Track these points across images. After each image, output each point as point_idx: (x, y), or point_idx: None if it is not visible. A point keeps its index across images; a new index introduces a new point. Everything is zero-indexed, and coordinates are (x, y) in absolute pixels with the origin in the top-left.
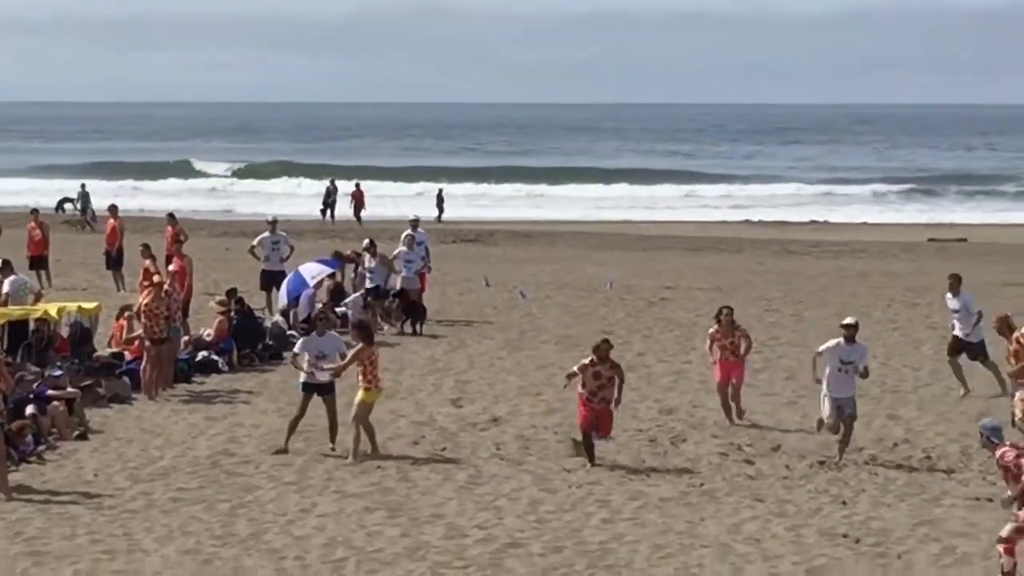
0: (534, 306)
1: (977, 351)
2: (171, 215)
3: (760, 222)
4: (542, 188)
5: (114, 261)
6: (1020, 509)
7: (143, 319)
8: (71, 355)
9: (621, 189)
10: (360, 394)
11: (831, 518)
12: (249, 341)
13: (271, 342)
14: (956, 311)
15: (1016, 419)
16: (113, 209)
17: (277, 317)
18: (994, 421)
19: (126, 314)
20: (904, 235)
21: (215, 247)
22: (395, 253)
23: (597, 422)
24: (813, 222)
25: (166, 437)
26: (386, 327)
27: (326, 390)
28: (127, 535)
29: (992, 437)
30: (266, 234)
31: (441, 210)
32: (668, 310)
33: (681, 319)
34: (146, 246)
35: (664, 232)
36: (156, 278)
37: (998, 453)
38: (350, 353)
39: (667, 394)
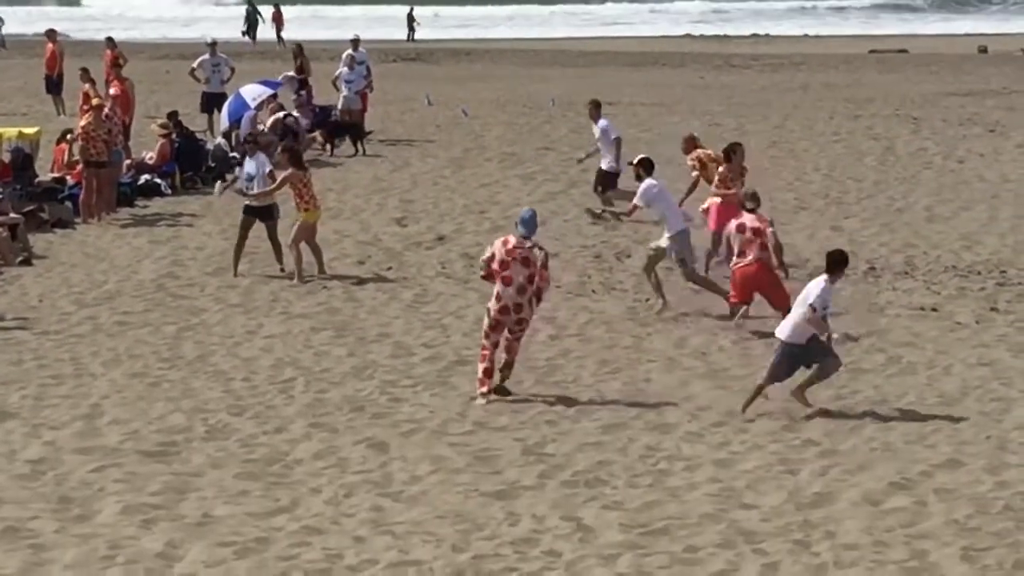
0: (477, 124)
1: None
2: (110, 39)
3: (701, 36)
4: (488, 9)
5: (54, 85)
6: None
7: (80, 141)
8: (12, 181)
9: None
10: (300, 216)
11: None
12: (192, 163)
13: (213, 164)
14: (597, 138)
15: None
16: (51, 33)
17: (219, 139)
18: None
19: (67, 138)
20: (845, 47)
21: (156, 70)
22: (336, 74)
23: None
24: (755, 36)
25: (110, 261)
26: (328, 147)
27: (265, 214)
28: (74, 359)
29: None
30: (206, 56)
31: (412, 29)
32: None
33: (625, 134)
34: (84, 70)
35: (605, 48)
36: (95, 101)
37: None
38: (279, 177)
39: None
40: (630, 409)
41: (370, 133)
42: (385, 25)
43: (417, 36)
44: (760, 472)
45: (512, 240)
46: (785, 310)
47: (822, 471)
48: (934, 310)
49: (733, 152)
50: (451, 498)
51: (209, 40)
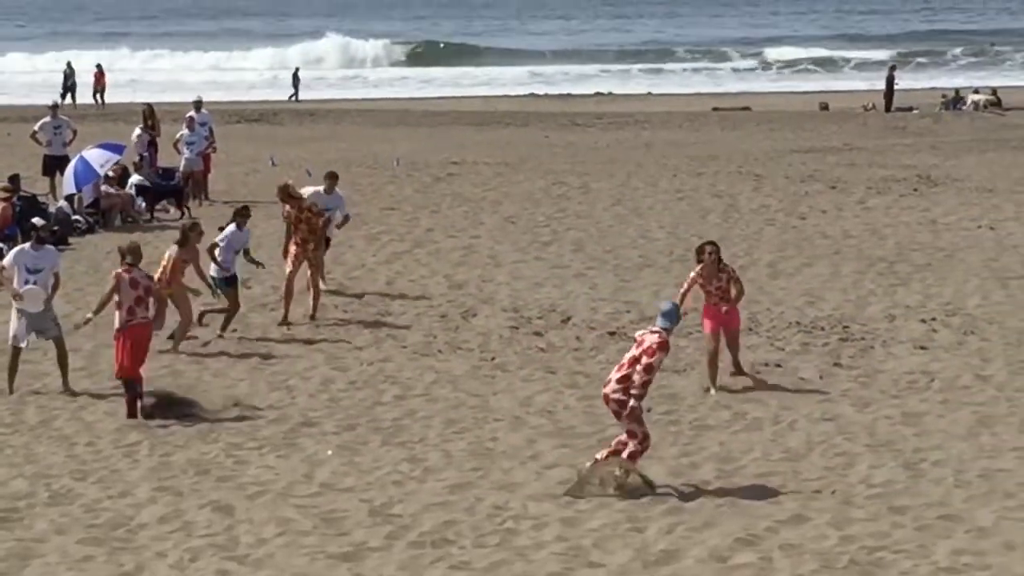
0: (318, 182)
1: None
2: None
3: (545, 95)
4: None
5: None
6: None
7: None
8: None
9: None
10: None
11: None
12: (33, 227)
13: (56, 227)
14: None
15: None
16: None
17: (61, 202)
18: None
19: None
20: (688, 105)
21: None
22: (178, 136)
23: None
24: (598, 94)
25: None
26: (171, 209)
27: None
28: None
29: None
30: (47, 119)
31: (296, 89)
32: (455, 185)
33: (469, 194)
34: None
35: (449, 108)
36: None
37: None
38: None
39: (457, 269)
40: (477, 469)
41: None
42: (220, 88)
43: (258, 96)
44: (607, 530)
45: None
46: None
47: (669, 528)
48: (778, 366)
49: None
50: (298, 561)
51: (51, 103)
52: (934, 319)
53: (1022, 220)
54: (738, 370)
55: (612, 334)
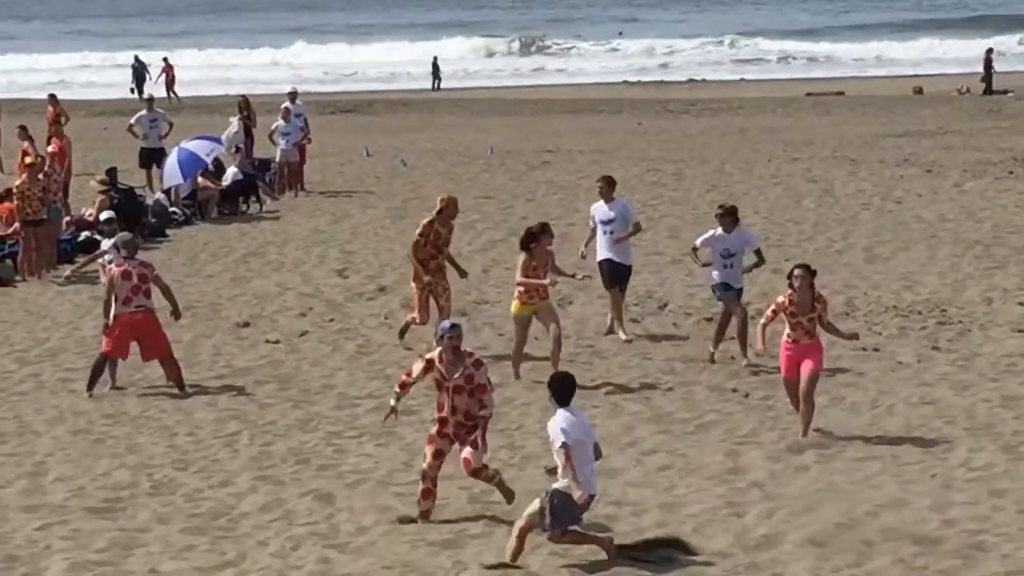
0: (416, 174)
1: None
2: (52, 96)
3: (639, 83)
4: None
5: None
6: None
7: (15, 200)
8: None
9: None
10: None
11: (719, 374)
12: (131, 219)
13: (153, 219)
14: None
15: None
16: None
17: (159, 195)
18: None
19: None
20: (782, 91)
21: (94, 126)
22: (273, 127)
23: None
24: (691, 81)
25: (52, 318)
26: (268, 200)
27: None
28: (17, 417)
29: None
30: (144, 112)
31: (437, 79)
32: (550, 173)
33: (563, 182)
34: (23, 127)
35: (543, 96)
36: (28, 159)
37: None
38: None
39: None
40: None
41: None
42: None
43: (354, 87)
44: (706, 515)
45: None
46: (161, 359)
47: (768, 513)
48: (876, 350)
49: None
50: (398, 548)
51: (147, 96)
52: None
53: None
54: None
55: (708, 320)
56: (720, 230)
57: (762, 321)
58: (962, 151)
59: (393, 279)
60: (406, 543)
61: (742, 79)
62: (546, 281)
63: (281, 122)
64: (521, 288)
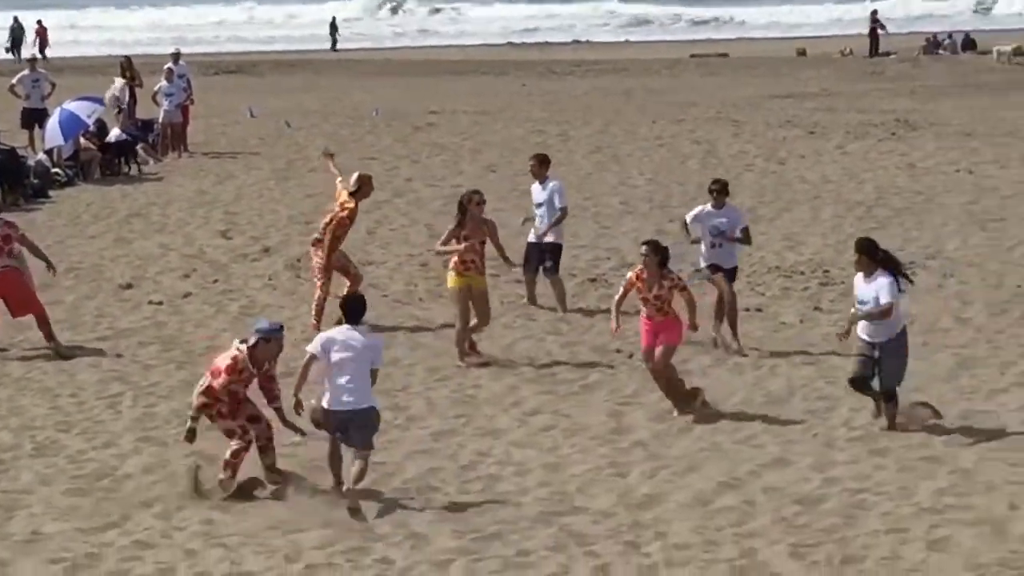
0: (300, 135)
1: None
2: None
3: (523, 44)
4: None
5: None
6: None
7: None
8: None
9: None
10: None
11: (604, 334)
12: (13, 179)
13: (35, 180)
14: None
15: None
16: None
17: (41, 156)
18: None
19: None
20: (666, 52)
21: None
22: (156, 88)
23: None
24: (576, 42)
25: None
26: (151, 161)
27: None
28: None
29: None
30: (26, 72)
31: (335, 39)
32: (434, 135)
33: (448, 143)
34: None
35: (427, 57)
36: None
37: None
38: None
39: (437, 217)
40: (460, 416)
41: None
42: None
43: (234, 48)
44: (590, 475)
45: None
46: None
47: (652, 473)
48: (759, 311)
49: None
50: (283, 508)
51: (29, 56)
52: (913, 263)
53: (1001, 163)
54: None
55: (593, 281)
56: (710, 206)
57: (615, 298)
58: (845, 113)
59: (278, 240)
60: (291, 503)
61: (627, 40)
62: (460, 247)
63: (164, 83)
64: (456, 259)
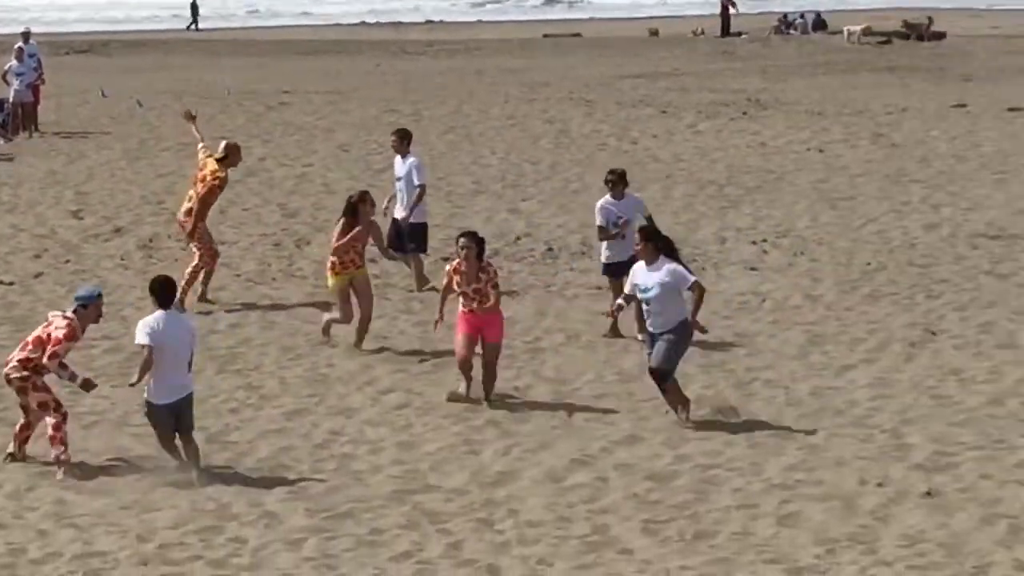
0: (152, 115)
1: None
2: None
3: (377, 24)
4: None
5: None
6: None
7: None
8: None
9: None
10: None
11: (455, 313)
12: None
13: None
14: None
15: None
16: None
17: None
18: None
19: None
20: (519, 32)
21: None
22: (6, 67)
23: None
24: (429, 22)
25: None
26: (1, 141)
27: None
28: None
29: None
30: None
31: (196, 19)
32: (287, 114)
33: (301, 123)
34: None
35: (280, 37)
36: None
37: None
38: None
39: (290, 198)
40: (313, 395)
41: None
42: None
43: (81, 28)
44: (443, 453)
45: None
46: None
47: (505, 450)
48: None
49: None
50: (138, 487)
51: None
52: (764, 240)
53: (850, 142)
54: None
55: (445, 260)
56: (609, 197)
57: (441, 290)
58: (697, 92)
59: (129, 220)
60: (143, 482)
61: (480, 20)
62: (346, 239)
63: (14, 62)
64: (334, 258)
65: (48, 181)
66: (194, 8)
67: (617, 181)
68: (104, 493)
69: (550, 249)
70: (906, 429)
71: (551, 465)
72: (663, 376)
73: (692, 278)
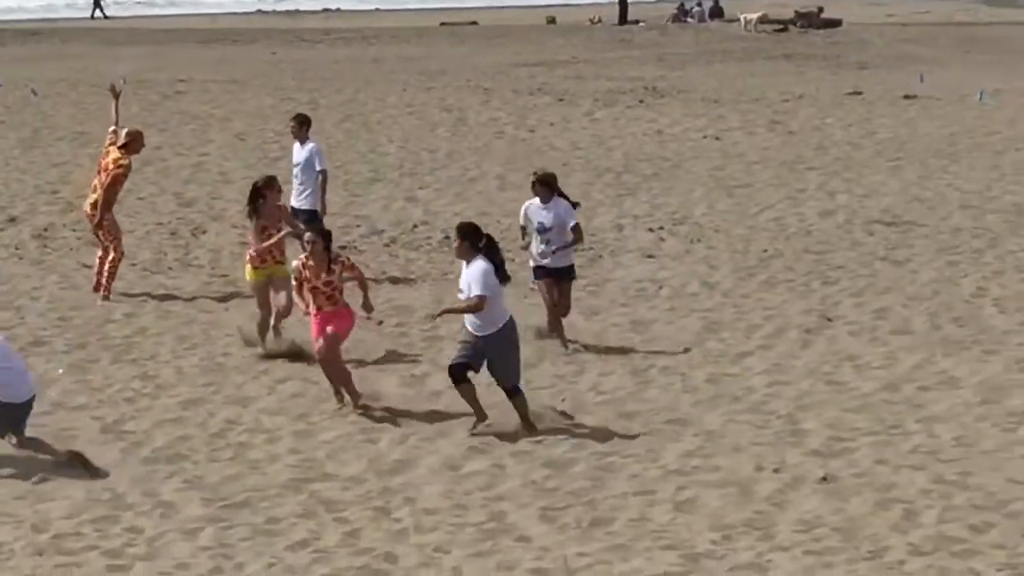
0: (47, 104)
1: None
2: None
3: (273, 12)
4: None
5: None
6: None
7: None
8: None
9: None
10: None
11: (354, 301)
12: None
13: None
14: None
15: None
16: None
17: None
18: None
19: None
20: (415, 21)
21: None
22: None
23: None
24: (326, 10)
25: None
26: None
27: None
28: None
29: None
30: None
31: (99, 7)
32: (183, 103)
33: (197, 112)
34: None
35: (174, 26)
36: None
37: None
38: None
39: (186, 187)
40: (209, 384)
41: None
42: None
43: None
44: (340, 442)
45: None
46: None
47: (401, 439)
48: (507, 278)
49: None
50: (31, 477)
51: None
52: (661, 228)
53: (746, 130)
54: (353, 398)
55: (343, 248)
56: (537, 201)
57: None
58: (594, 80)
59: (23, 209)
60: (39, 472)
61: (377, 9)
62: (281, 233)
63: None
64: (252, 252)
65: None
66: None
67: (541, 183)
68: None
69: (447, 237)
70: (802, 415)
71: (448, 453)
72: (514, 391)
73: (475, 292)
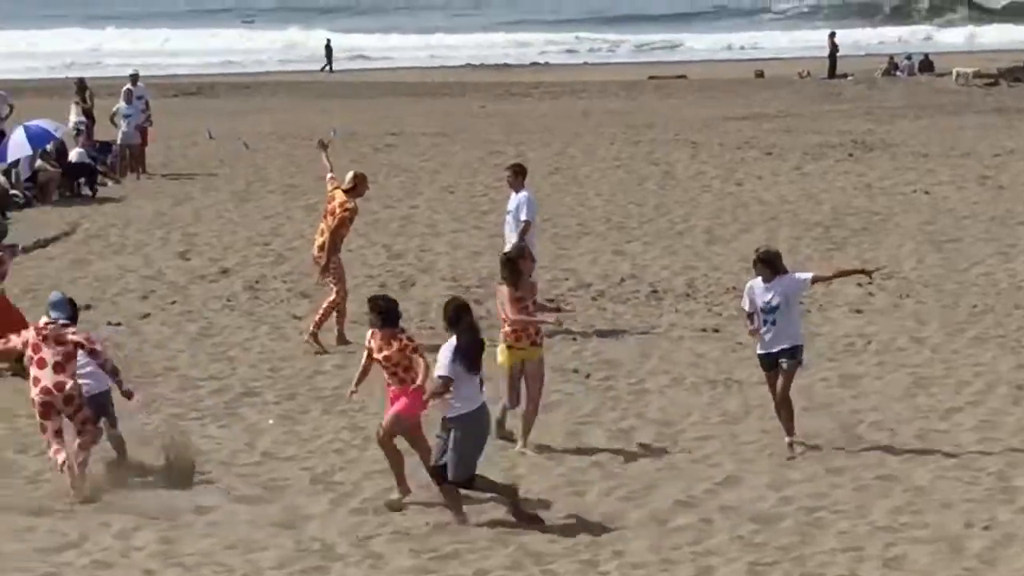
0: (258, 157)
1: None
2: None
3: (482, 66)
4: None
5: None
6: None
7: None
8: None
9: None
10: None
11: (561, 355)
12: None
13: None
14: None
15: None
16: None
17: None
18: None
19: None
20: (624, 74)
21: None
22: (114, 109)
23: None
24: (535, 64)
25: None
26: (110, 182)
27: None
28: None
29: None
30: None
31: (330, 61)
32: (393, 156)
33: (406, 164)
34: None
35: (386, 79)
36: None
37: None
38: None
39: (395, 239)
40: None
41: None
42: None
43: (199, 71)
44: (547, 494)
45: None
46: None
47: (608, 491)
48: (716, 331)
49: None
50: (240, 528)
51: None
52: (870, 283)
53: (956, 184)
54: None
55: (551, 301)
56: (759, 280)
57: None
58: (802, 134)
59: (235, 261)
60: (247, 523)
61: (585, 63)
62: (550, 319)
63: (123, 104)
64: (507, 328)
65: (156, 222)
66: (328, 49)
67: (765, 262)
68: (209, 533)
69: (655, 291)
70: (1013, 472)
71: (655, 507)
72: (444, 480)
73: (438, 373)
